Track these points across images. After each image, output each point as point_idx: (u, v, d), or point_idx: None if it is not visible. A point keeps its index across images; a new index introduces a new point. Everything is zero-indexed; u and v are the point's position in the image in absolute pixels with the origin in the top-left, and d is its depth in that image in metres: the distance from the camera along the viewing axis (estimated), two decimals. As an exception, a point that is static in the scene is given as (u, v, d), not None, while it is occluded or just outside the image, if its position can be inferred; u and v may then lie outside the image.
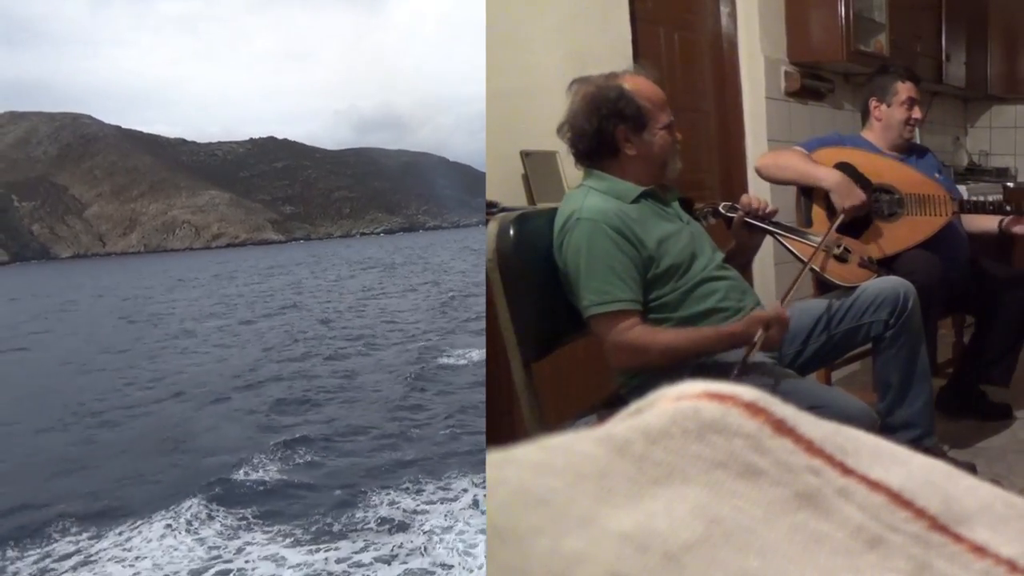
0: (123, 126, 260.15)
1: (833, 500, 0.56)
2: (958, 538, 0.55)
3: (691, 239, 4.45)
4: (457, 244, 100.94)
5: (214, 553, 9.05)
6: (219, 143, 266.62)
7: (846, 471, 0.58)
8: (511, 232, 4.29)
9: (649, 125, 4.37)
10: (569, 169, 4.76)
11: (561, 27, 6.46)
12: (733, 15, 8.29)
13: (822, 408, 3.90)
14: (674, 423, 0.59)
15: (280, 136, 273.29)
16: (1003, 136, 12.38)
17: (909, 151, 6.42)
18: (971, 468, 5.44)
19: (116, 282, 70.41)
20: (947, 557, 0.54)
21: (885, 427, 4.92)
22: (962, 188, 6.54)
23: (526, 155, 6.13)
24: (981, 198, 6.53)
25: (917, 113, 6.28)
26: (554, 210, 4.44)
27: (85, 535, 9.82)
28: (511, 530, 0.52)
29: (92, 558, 9.17)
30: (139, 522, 10.07)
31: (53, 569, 8.96)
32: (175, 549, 9.21)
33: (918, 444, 4.82)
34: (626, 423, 0.60)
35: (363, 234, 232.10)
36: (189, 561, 8.83)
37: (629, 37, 7.04)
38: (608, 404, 4.48)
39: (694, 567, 0.50)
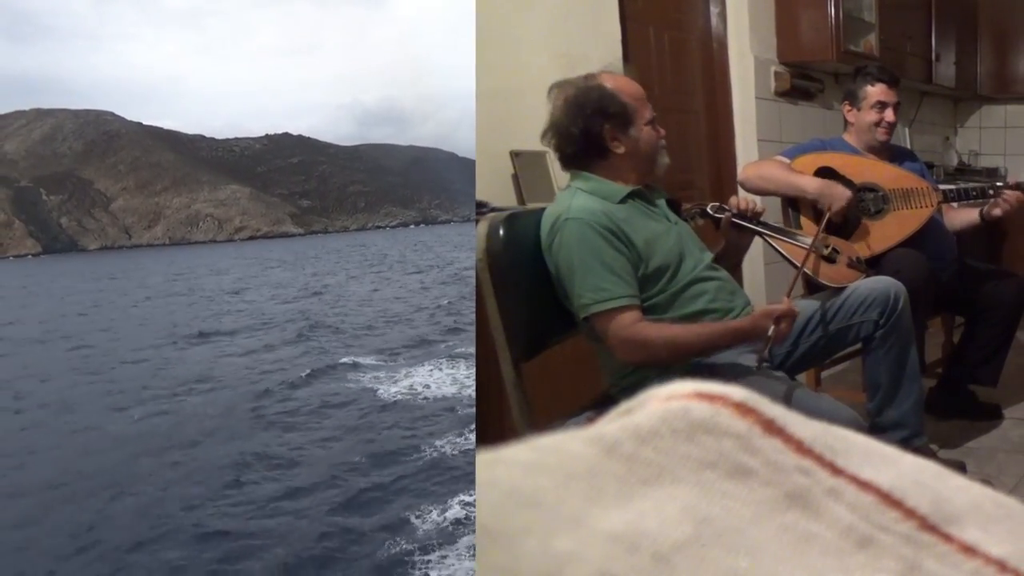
0: (140, 121, 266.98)
1: (823, 500, 0.56)
2: (948, 538, 0.55)
3: (679, 239, 4.44)
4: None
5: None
6: (236, 139, 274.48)
7: (836, 471, 0.58)
8: (501, 232, 4.28)
9: (635, 121, 4.37)
10: (559, 169, 4.75)
11: (551, 27, 6.46)
12: (723, 15, 8.29)
13: (810, 415, 3.90)
14: (664, 423, 0.59)
15: (294, 132, 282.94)
16: (993, 136, 12.41)
17: (891, 155, 6.41)
18: (961, 468, 5.46)
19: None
20: (937, 557, 0.54)
21: (874, 427, 4.93)
22: (951, 188, 6.54)
23: (516, 155, 6.13)
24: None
25: (890, 116, 6.25)
26: (544, 210, 4.43)
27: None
28: (501, 530, 0.51)
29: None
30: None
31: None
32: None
33: (908, 444, 4.83)
34: (616, 423, 0.60)
35: (379, 227, 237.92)
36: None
37: (619, 37, 7.05)
38: (598, 404, 4.47)
39: (684, 567, 0.50)
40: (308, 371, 20.82)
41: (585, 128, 4.33)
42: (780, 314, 4.17)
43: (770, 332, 4.17)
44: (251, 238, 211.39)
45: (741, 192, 5.94)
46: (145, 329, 32.84)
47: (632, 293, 4.23)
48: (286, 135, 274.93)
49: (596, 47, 6.65)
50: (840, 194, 5.69)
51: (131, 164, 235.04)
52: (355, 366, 21.33)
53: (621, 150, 4.38)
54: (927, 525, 0.55)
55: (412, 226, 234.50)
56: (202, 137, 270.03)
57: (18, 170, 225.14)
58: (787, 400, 4.04)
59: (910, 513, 0.56)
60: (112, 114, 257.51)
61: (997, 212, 6.05)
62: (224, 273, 66.52)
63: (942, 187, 6.30)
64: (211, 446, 14.79)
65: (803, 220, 5.91)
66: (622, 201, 4.35)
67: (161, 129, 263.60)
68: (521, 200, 6.11)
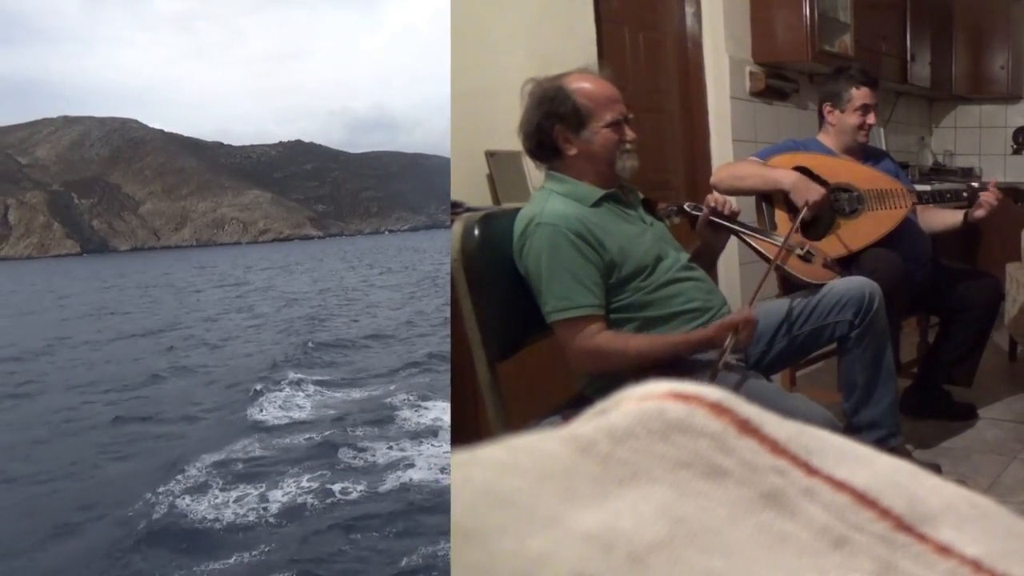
0: (162, 129, 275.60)
1: (798, 500, 0.56)
2: (923, 538, 0.55)
3: (655, 240, 4.43)
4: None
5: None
6: (252, 146, 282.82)
7: (811, 471, 0.58)
8: (476, 232, 4.28)
9: (589, 123, 4.34)
10: (534, 169, 4.75)
11: (526, 27, 6.45)
12: (698, 15, 8.30)
13: (785, 415, 3.90)
14: (639, 423, 0.58)
15: (295, 139, 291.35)
16: (968, 136, 12.49)
17: (866, 155, 6.41)
18: (936, 468, 5.47)
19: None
20: (912, 557, 0.54)
21: (850, 427, 4.94)
22: (927, 190, 6.55)
23: (491, 155, 6.13)
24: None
25: (872, 119, 6.22)
26: (518, 210, 4.43)
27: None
28: (476, 530, 0.51)
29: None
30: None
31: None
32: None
33: (883, 444, 4.84)
34: (591, 423, 0.60)
35: (391, 231, 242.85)
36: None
37: (594, 37, 7.05)
38: (573, 404, 4.47)
39: (659, 567, 0.50)
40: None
41: (539, 127, 4.35)
42: (739, 324, 4.19)
43: (727, 343, 4.19)
44: (275, 240, 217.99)
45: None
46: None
47: (596, 303, 4.24)
48: (298, 142, 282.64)
49: (571, 47, 6.66)
50: (815, 189, 5.69)
51: (156, 170, 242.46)
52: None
53: (572, 152, 4.37)
54: (902, 525, 0.55)
55: (423, 230, 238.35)
56: (220, 144, 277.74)
57: (50, 175, 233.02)
58: (762, 400, 4.05)
59: (885, 513, 0.56)
60: (136, 122, 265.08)
61: (981, 213, 6.05)
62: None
63: (917, 187, 6.32)
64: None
65: (777, 215, 5.90)
66: (596, 204, 4.35)
67: (182, 136, 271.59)
68: (496, 200, 6.11)
